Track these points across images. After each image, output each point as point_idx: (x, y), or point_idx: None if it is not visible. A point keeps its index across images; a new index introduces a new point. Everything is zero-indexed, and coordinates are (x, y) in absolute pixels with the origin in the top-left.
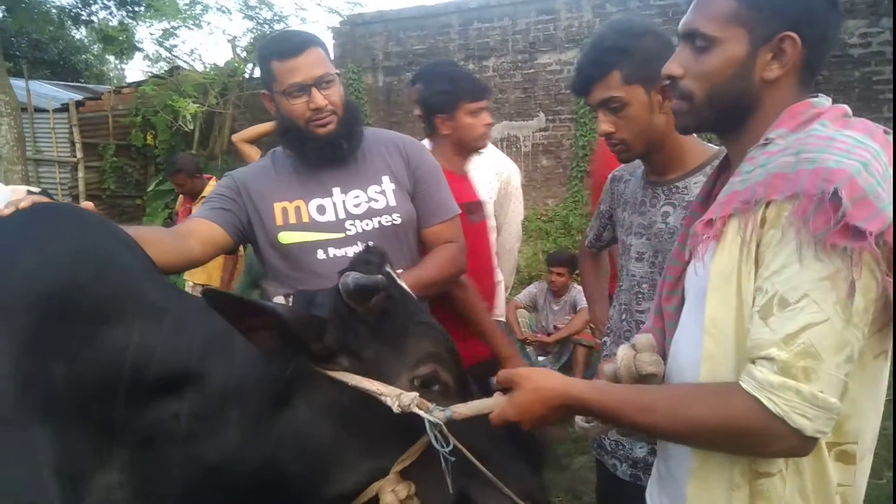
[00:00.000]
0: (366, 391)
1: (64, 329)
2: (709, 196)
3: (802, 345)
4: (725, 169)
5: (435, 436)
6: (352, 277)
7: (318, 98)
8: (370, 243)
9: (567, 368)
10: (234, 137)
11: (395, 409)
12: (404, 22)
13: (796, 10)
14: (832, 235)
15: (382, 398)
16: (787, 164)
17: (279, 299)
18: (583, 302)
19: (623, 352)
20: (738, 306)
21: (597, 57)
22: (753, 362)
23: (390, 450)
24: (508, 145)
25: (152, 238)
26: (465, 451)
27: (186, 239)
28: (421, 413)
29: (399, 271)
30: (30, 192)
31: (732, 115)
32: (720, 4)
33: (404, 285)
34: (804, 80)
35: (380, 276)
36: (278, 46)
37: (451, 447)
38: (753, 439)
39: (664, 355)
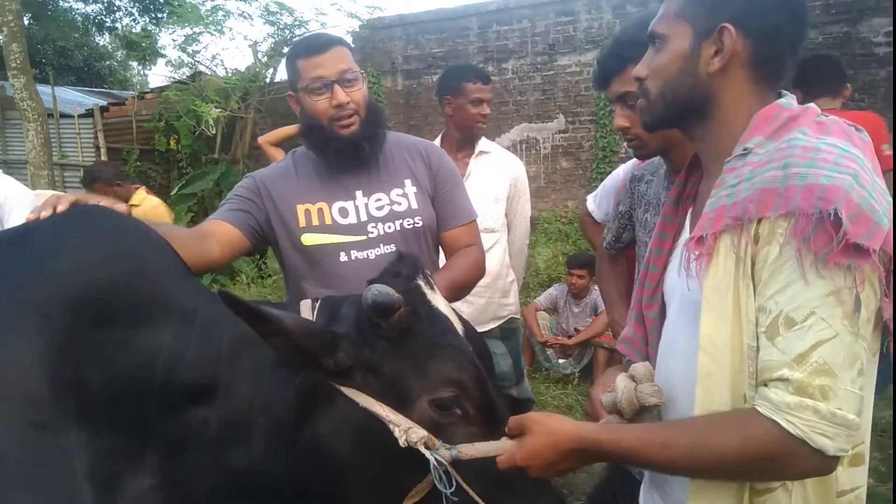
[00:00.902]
0: (377, 415)
1: (99, 334)
2: (679, 198)
3: (815, 363)
4: (695, 170)
5: (439, 475)
6: (371, 292)
7: (341, 94)
8: (403, 252)
9: (588, 371)
10: (261, 140)
11: (402, 442)
12: (423, 25)
13: (738, 3)
14: (835, 255)
15: (391, 427)
16: (776, 179)
17: (306, 304)
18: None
19: (623, 383)
20: (735, 323)
21: (616, 50)
22: (766, 385)
23: (404, 478)
24: (528, 147)
25: (178, 237)
26: (471, 492)
27: (206, 241)
28: (425, 452)
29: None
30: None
31: (687, 111)
32: (672, 3)
33: (437, 301)
34: (758, 76)
35: (400, 294)
36: (304, 45)
37: (453, 488)
38: (776, 464)
39: (649, 361)
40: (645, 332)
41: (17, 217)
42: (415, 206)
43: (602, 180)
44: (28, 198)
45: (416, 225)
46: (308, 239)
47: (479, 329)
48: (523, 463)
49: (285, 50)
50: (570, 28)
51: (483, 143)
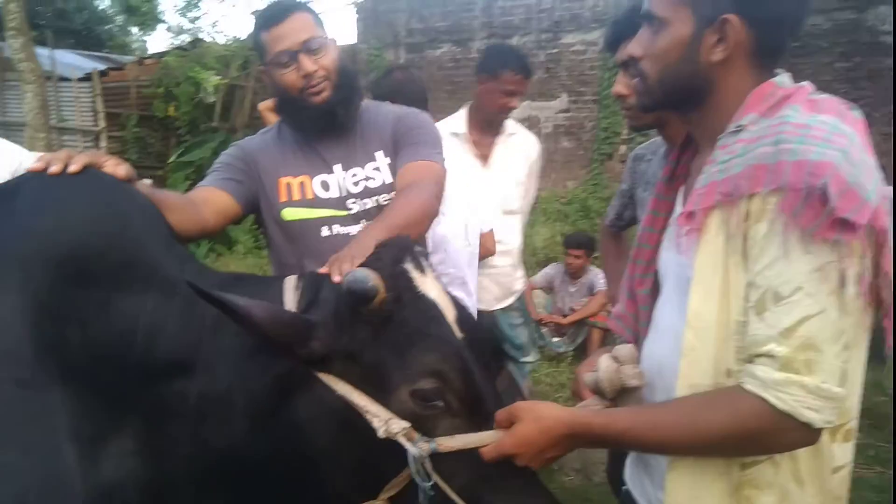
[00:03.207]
0: (355, 405)
1: (79, 293)
2: (671, 176)
3: (801, 338)
4: (687, 149)
5: (418, 468)
6: (349, 278)
7: (307, 63)
8: (397, 238)
9: (582, 350)
10: (261, 106)
11: (381, 433)
12: None
13: None
14: (822, 229)
15: (369, 417)
16: (767, 155)
17: (290, 281)
18: (600, 284)
19: (605, 363)
20: (722, 299)
21: (631, 16)
22: (752, 361)
23: (382, 469)
24: (529, 126)
25: (173, 204)
26: (446, 487)
27: (200, 208)
28: (405, 444)
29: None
30: None
31: (686, 97)
32: None
33: (427, 287)
34: (759, 64)
35: (382, 279)
36: (264, 16)
37: (431, 483)
38: (764, 439)
39: (637, 339)
40: (636, 309)
41: None
42: (389, 180)
43: (603, 162)
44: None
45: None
46: (289, 213)
47: (502, 304)
48: (513, 450)
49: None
50: (577, 5)
51: (510, 125)
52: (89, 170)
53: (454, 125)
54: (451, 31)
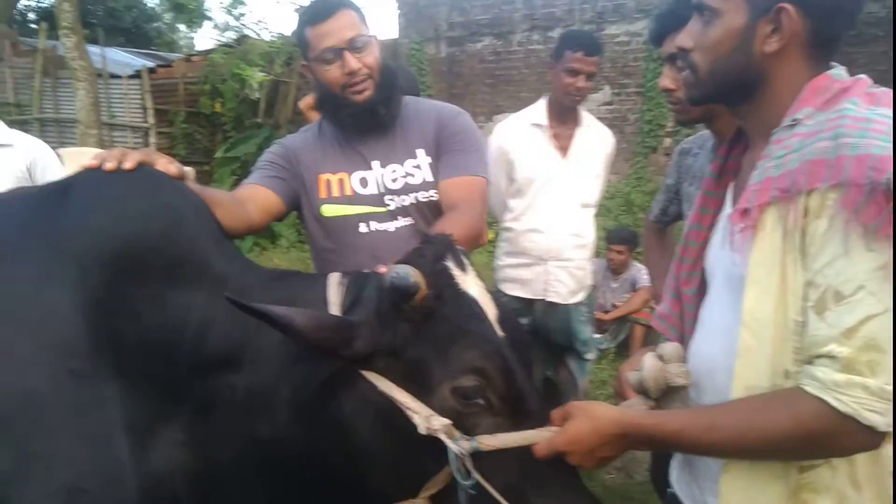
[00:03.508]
0: (396, 401)
1: (134, 288)
2: (721, 172)
3: (864, 338)
4: (737, 144)
5: (458, 467)
6: (391, 274)
7: (352, 61)
8: (439, 236)
9: (624, 347)
10: (302, 104)
11: (422, 430)
12: None
13: None
14: (886, 226)
15: (410, 414)
16: (826, 150)
17: (334, 278)
18: (642, 280)
19: (650, 362)
20: (779, 298)
21: (676, 9)
22: (811, 362)
23: (423, 467)
24: None
25: (220, 201)
26: (488, 486)
27: (246, 205)
28: (446, 441)
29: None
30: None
31: (738, 89)
32: None
33: (468, 284)
34: (815, 55)
35: (423, 276)
36: (310, 12)
37: (472, 481)
38: (825, 442)
39: (682, 339)
40: (681, 309)
41: (52, 174)
42: (430, 178)
43: (647, 155)
44: (55, 157)
45: (431, 198)
46: (328, 210)
47: (575, 299)
48: (564, 447)
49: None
50: None
51: (587, 117)
52: (143, 167)
53: (535, 116)
54: (492, 25)
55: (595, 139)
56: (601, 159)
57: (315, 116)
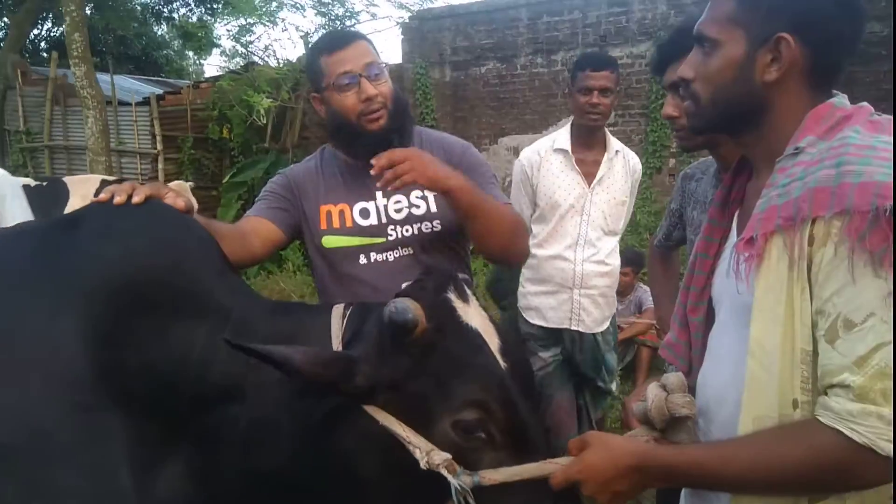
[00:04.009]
0: (397, 436)
1: (139, 321)
2: (725, 202)
3: (876, 366)
4: (741, 172)
5: (458, 502)
6: (390, 308)
7: (369, 87)
8: (440, 267)
9: (630, 369)
10: None
11: (423, 465)
12: (473, 16)
13: (796, 10)
14: (892, 253)
15: (411, 448)
16: (829, 178)
17: (338, 310)
18: (648, 302)
19: (654, 392)
20: (787, 327)
21: (678, 38)
22: (826, 392)
23: (425, 499)
24: None
25: (225, 234)
26: None
27: (249, 237)
28: (448, 476)
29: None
30: (104, 181)
31: (740, 119)
32: (722, 6)
33: (470, 316)
34: (816, 83)
35: (423, 309)
36: (325, 42)
37: None
38: (843, 474)
39: (690, 368)
40: (689, 338)
41: (10, 204)
42: (434, 209)
43: (651, 175)
44: (15, 186)
45: (434, 229)
46: (328, 241)
47: (601, 328)
48: (579, 476)
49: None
50: (623, 19)
51: (614, 143)
52: (151, 201)
53: (559, 141)
54: (496, 49)
55: (621, 166)
56: (627, 186)
57: None
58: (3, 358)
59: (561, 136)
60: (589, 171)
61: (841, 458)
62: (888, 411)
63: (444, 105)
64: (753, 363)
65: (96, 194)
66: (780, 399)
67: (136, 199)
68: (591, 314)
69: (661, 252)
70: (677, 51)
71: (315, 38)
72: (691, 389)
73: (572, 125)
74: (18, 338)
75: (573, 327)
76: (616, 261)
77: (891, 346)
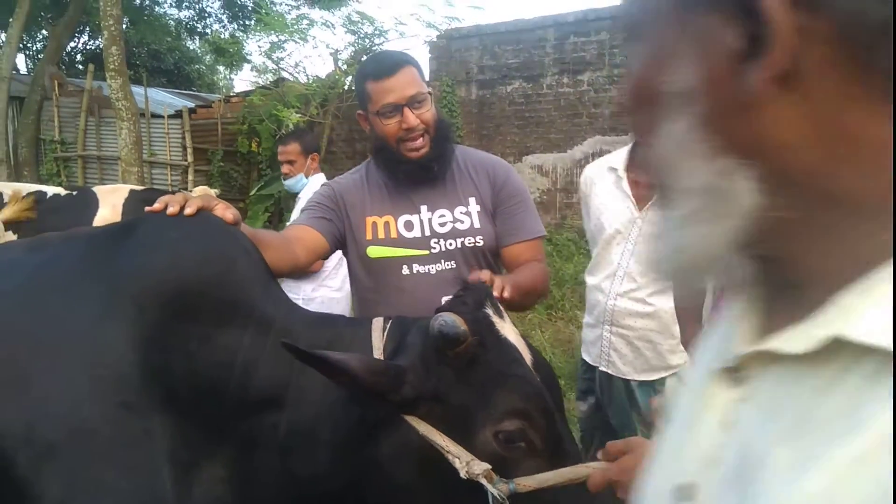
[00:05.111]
0: (437, 445)
1: (185, 328)
2: None
3: None
4: None
5: None
6: (439, 322)
7: (411, 118)
8: (474, 279)
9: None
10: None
11: (463, 474)
12: (500, 36)
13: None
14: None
15: (450, 458)
16: None
17: (377, 323)
18: None
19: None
20: None
21: None
22: None
23: None
24: None
25: (269, 242)
26: None
27: (294, 245)
28: (486, 485)
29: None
30: (133, 191)
31: None
32: None
33: (506, 330)
34: None
35: (467, 324)
36: (373, 67)
37: None
38: None
39: None
40: None
41: None
42: (477, 224)
43: None
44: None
45: (476, 244)
46: (374, 251)
47: (638, 376)
48: (616, 477)
49: (364, 59)
50: None
51: None
52: (201, 212)
53: (614, 158)
54: (522, 68)
55: None
56: None
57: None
58: (52, 358)
59: (620, 153)
60: (642, 195)
61: None
62: None
63: (470, 122)
64: None
65: (125, 204)
66: None
67: (188, 211)
68: (625, 357)
69: None
70: None
71: (344, 55)
72: None
73: (633, 144)
74: (68, 340)
75: (602, 367)
76: (666, 303)
77: None
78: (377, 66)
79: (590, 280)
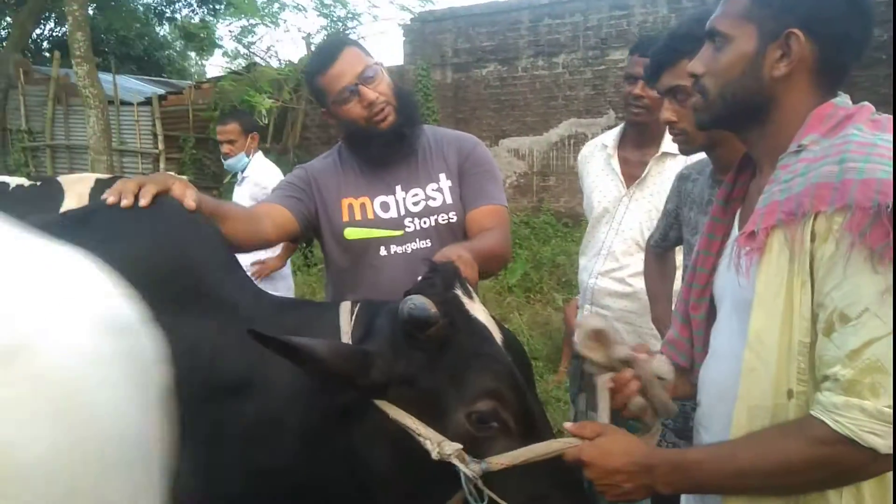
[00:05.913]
0: (408, 429)
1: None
2: (728, 199)
3: (868, 360)
4: (744, 171)
5: (471, 490)
6: (408, 305)
7: (369, 94)
8: (440, 259)
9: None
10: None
11: (434, 455)
12: (474, 18)
13: (808, 7)
14: (891, 249)
15: (422, 440)
16: (832, 174)
17: (345, 307)
18: None
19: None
20: (786, 320)
21: (671, 43)
22: (819, 386)
23: (437, 492)
24: (576, 143)
25: (233, 214)
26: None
27: (262, 221)
28: (458, 465)
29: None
30: (99, 180)
31: (747, 113)
32: (736, 2)
33: (475, 310)
34: (822, 82)
35: (435, 309)
36: (316, 62)
37: (485, 502)
38: (834, 467)
39: (692, 364)
40: (691, 334)
41: None
42: (449, 200)
43: None
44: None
45: (450, 220)
46: (350, 233)
47: None
48: (588, 458)
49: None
50: (624, 22)
51: (667, 143)
52: (158, 199)
53: (607, 136)
54: (497, 51)
55: (671, 172)
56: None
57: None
58: None
59: (613, 131)
60: (631, 173)
61: (828, 450)
62: (870, 404)
63: (446, 107)
64: (751, 354)
65: (91, 193)
66: (776, 389)
67: (142, 203)
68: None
69: (657, 253)
70: (672, 56)
71: (317, 39)
72: (693, 386)
73: (626, 122)
74: None
75: None
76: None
77: (883, 341)
78: (318, 58)
79: (581, 261)
